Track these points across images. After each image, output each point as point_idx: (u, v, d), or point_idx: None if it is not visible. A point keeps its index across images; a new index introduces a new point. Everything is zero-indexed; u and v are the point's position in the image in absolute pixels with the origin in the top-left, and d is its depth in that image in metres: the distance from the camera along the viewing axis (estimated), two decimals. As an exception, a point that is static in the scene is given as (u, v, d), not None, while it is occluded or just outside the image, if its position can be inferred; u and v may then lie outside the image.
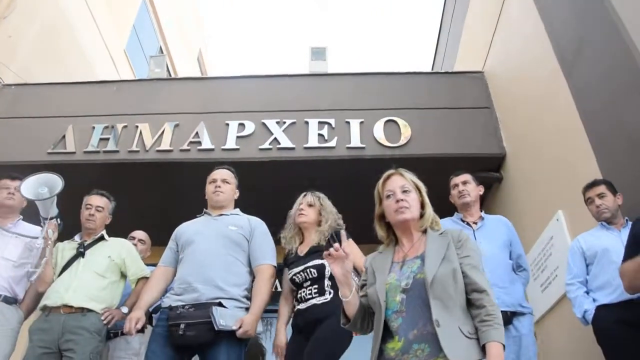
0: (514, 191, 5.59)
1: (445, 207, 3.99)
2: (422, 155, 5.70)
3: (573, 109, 4.24)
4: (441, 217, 3.94)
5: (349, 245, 2.38)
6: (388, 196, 2.17)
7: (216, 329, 2.85)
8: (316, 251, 3.25)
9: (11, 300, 3.40)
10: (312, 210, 3.50)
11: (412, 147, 5.77)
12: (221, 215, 3.42)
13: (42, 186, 3.32)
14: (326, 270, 3.19)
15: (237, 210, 3.53)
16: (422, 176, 5.54)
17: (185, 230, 3.41)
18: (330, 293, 3.15)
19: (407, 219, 2.11)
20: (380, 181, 2.24)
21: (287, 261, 3.44)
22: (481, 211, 3.92)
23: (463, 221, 3.81)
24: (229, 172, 3.57)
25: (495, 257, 3.57)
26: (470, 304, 1.93)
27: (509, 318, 3.39)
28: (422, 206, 2.18)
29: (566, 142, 4.39)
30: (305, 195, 3.58)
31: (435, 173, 5.06)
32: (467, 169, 4.13)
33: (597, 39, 4.07)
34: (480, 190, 3.96)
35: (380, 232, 2.24)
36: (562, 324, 4.24)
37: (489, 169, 5.84)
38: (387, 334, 1.97)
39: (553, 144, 4.66)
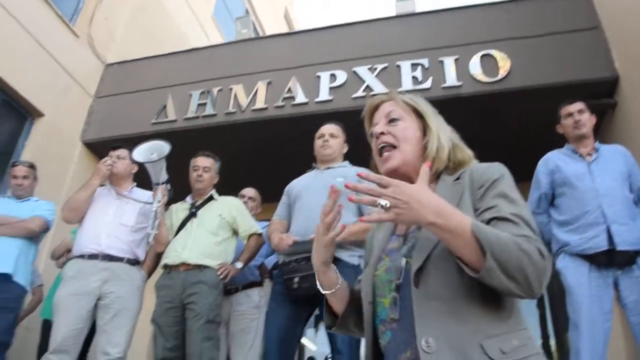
0: (630, 117, 5.10)
1: (551, 140, 3.76)
2: (524, 88, 5.32)
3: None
4: (547, 151, 3.78)
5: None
6: (372, 135, 1.44)
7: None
8: None
9: (133, 262, 3.64)
10: None
11: (513, 80, 5.40)
12: (329, 168, 3.43)
13: (152, 152, 3.53)
14: None
15: (346, 163, 3.52)
16: (526, 110, 5.22)
17: (295, 185, 3.49)
18: None
19: (394, 167, 1.34)
20: (366, 113, 1.51)
21: None
22: (595, 142, 3.64)
23: (575, 153, 3.57)
24: (336, 126, 3.58)
25: (613, 192, 3.31)
26: None
27: (632, 258, 3.14)
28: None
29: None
30: None
31: (540, 105, 4.78)
32: (576, 97, 3.82)
33: None
34: (593, 119, 3.68)
35: None
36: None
37: (600, 95, 5.37)
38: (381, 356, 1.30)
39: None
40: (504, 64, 5.48)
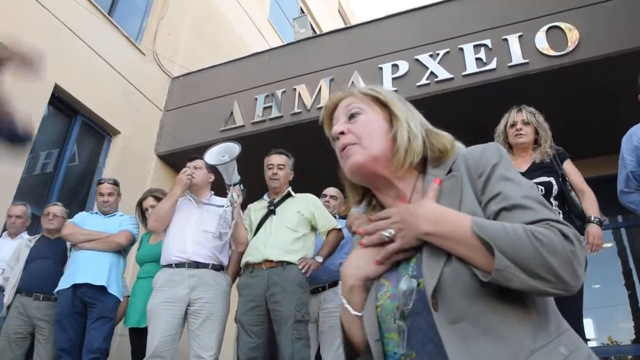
0: None
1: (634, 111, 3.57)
2: (596, 58, 5.04)
3: None
4: (630, 122, 3.58)
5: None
6: (333, 138, 1.24)
7: None
8: (541, 167, 3.21)
9: (218, 267, 3.74)
10: (529, 128, 3.36)
11: (583, 50, 5.13)
12: None
13: (223, 154, 3.62)
14: (554, 189, 3.14)
15: None
16: (602, 81, 4.94)
17: None
18: (559, 213, 3.08)
19: (358, 163, 1.15)
20: (324, 116, 1.31)
21: None
22: None
23: None
24: None
25: None
26: None
27: None
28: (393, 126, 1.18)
29: None
30: (519, 110, 3.41)
31: (616, 75, 4.53)
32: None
33: None
34: None
35: (352, 197, 1.30)
36: None
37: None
38: None
39: None
40: (572, 35, 5.23)
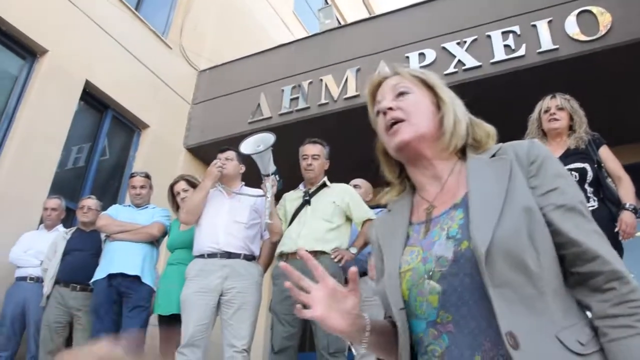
0: None
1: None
2: (629, 42, 4.90)
3: None
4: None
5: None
6: (378, 112, 1.23)
7: None
8: (576, 153, 3.21)
9: (250, 257, 3.79)
10: (564, 113, 3.35)
11: (615, 35, 5.00)
12: None
13: (258, 144, 3.64)
14: (588, 175, 3.13)
15: None
16: (634, 66, 4.81)
17: None
18: (594, 200, 3.08)
19: (406, 141, 1.15)
20: (367, 92, 1.31)
21: None
22: None
23: None
24: None
25: None
26: (576, 282, 0.99)
27: None
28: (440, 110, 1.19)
29: None
30: (553, 97, 3.42)
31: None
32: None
33: None
34: None
35: (389, 174, 1.32)
36: None
37: None
38: None
39: None
40: (604, 19, 5.11)
